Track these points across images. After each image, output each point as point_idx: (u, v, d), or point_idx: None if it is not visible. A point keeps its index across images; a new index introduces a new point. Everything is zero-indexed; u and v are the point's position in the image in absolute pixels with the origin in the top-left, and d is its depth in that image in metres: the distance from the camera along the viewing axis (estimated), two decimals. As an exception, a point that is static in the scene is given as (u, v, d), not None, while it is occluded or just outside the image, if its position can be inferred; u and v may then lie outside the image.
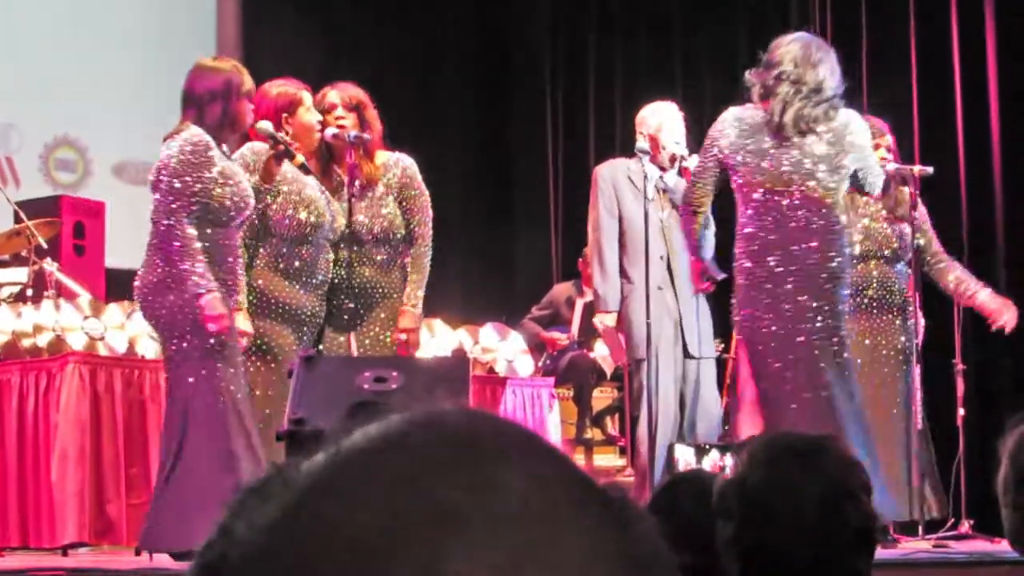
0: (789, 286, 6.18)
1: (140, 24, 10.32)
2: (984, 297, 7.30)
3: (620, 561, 0.72)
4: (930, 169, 7.35)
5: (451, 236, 10.78)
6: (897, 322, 7.11)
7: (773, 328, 6.22)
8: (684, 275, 7.20)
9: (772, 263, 6.21)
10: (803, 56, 6.30)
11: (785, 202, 6.23)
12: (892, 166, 7.25)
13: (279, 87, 6.43)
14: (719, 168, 6.39)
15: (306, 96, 6.43)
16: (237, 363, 5.91)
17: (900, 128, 9.14)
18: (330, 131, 6.43)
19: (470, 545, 0.69)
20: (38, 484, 6.89)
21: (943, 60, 9.43)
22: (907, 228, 7.13)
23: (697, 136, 7.40)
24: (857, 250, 7.09)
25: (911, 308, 7.16)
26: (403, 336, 6.39)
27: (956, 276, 7.34)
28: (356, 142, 6.37)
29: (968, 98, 9.32)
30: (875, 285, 7.10)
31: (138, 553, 6.22)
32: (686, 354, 7.23)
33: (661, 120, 7.40)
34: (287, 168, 6.30)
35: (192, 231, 5.80)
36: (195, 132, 5.90)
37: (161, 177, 5.88)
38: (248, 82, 6.08)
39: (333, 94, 6.57)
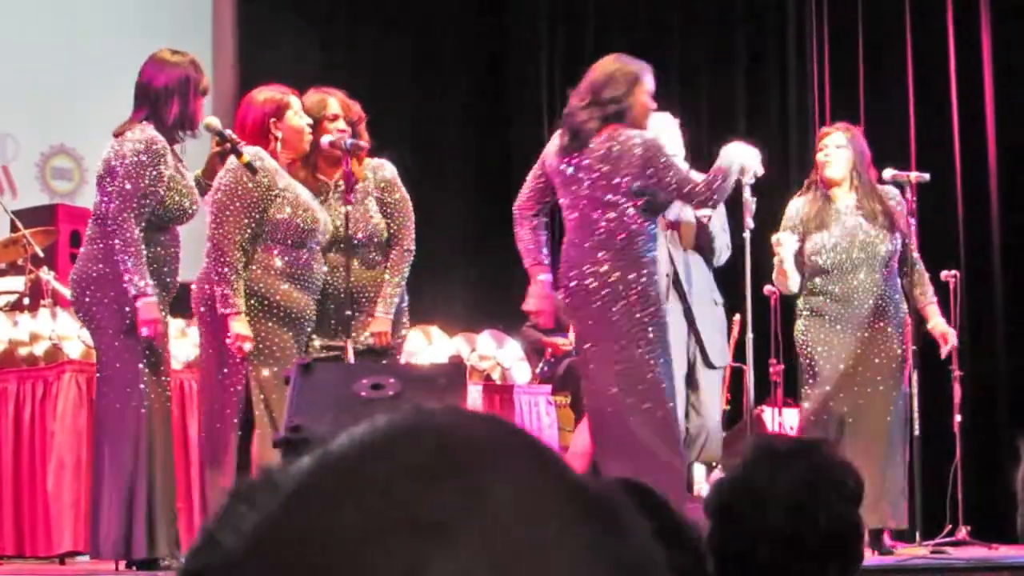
0: (593, 304, 6.35)
1: (136, 33, 10.31)
2: (935, 323, 7.28)
3: (611, 571, 0.70)
4: (927, 176, 7.35)
5: (450, 244, 10.80)
6: (889, 330, 7.10)
7: (584, 346, 6.45)
8: (694, 284, 7.19)
9: (572, 284, 6.41)
10: (590, 76, 6.49)
11: (575, 215, 6.43)
12: (889, 172, 7.26)
13: (265, 93, 6.38)
14: (545, 181, 6.59)
15: (293, 100, 6.38)
16: (161, 371, 5.91)
17: (897, 135, 9.16)
18: (327, 138, 6.40)
19: (453, 555, 0.67)
20: (34, 493, 6.88)
21: (940, 66, 9.43)
22: (898, 234, 7.14)
23: (691, 149, 7.41)
24: (853, 256, 7.09)
25: (904, 315, 7.15)
26: (371, 340, 6.38)
27: (920, 290, 7.31)
28: (352, 149, 6.35)
29: (964, 104, 9.32)
30: (867, 293, 7.10)
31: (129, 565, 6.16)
32: (706, 363, 7.20)
33: (656, 133, 7.37)
34: (282, 173, 6.27)
35: (139, 233, 5.81)
36: (150, 134, 5.87)
37: (114, 175, 5.86)
38: (205, 80, 6.05)
39: (335, 103, 6.52)
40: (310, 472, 0.72)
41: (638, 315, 6.32)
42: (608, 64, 6.51)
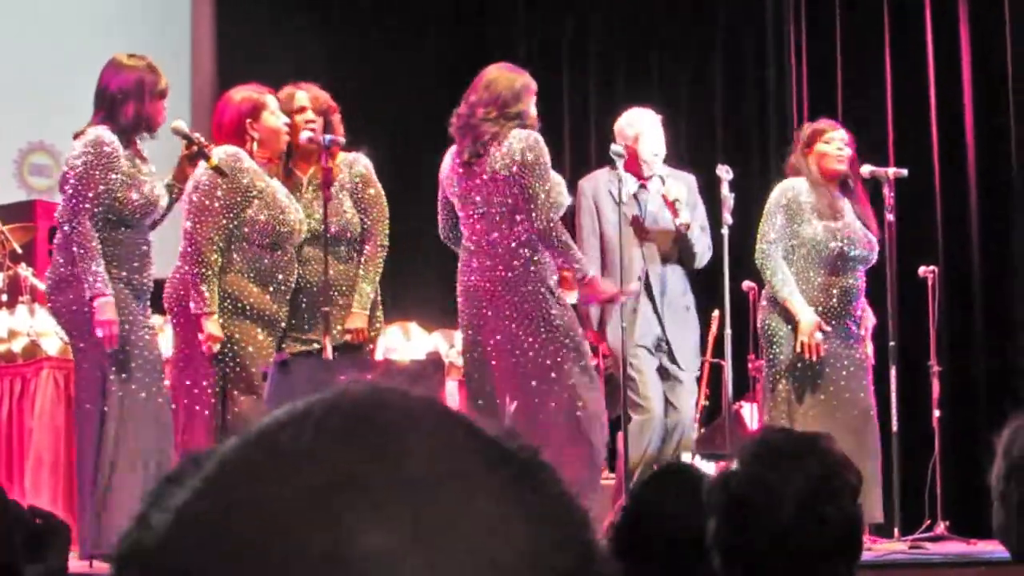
0: (486, 310, 6.45)
1: (114, 29, 10.29)
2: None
3: (530, 519, 0.72)
4: (904, 171, 7.37)
5: (427, 240, 10.78)
6: (863, 325, 7.14)
7: (476, 352, 6.60)
8: (668, 289, 7.20)
9: (471, 286, 6.48)
10: (471, 87, 6.63)
11: (479, 226, 6.45)
12: (867, 168, 7.27)
13: (242, 93, 6.39)
14: (449, 203, 6.63)
15: (270, 100, 6.38)
16: (131, 368, 5.90)
17: (875, 131, 9.17)
18: (305, 135, 6.41)
19: (380, 513, 0.69)
20: (12, 490, 6.86)
21: (918, 62, 9.44)
22: (871, 233, 7.15)
23: (669, 146, 7.42)
24: (854, 252, 7.09)
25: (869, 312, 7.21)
26: (348, 336, 6.38)
27: None
28: (330, 145, 6.35)
29: (943, 99, 9.33)
30: (855, 289, 7.10)
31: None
32: (671, 361, 7.20)
33: (639, 130, 7.33)
34: (262, 173, 6.27)
35: (92, 232, 5.83)
36: (99, 133, 5.90)
37: (67, 179, 5.89)
38: (163, 82, 6.07)
39: (303, 96, 6.55)
40: (233, 449, 0.74)
41: (535, 312, 6.39)
42: (510, 77, 6.57)
